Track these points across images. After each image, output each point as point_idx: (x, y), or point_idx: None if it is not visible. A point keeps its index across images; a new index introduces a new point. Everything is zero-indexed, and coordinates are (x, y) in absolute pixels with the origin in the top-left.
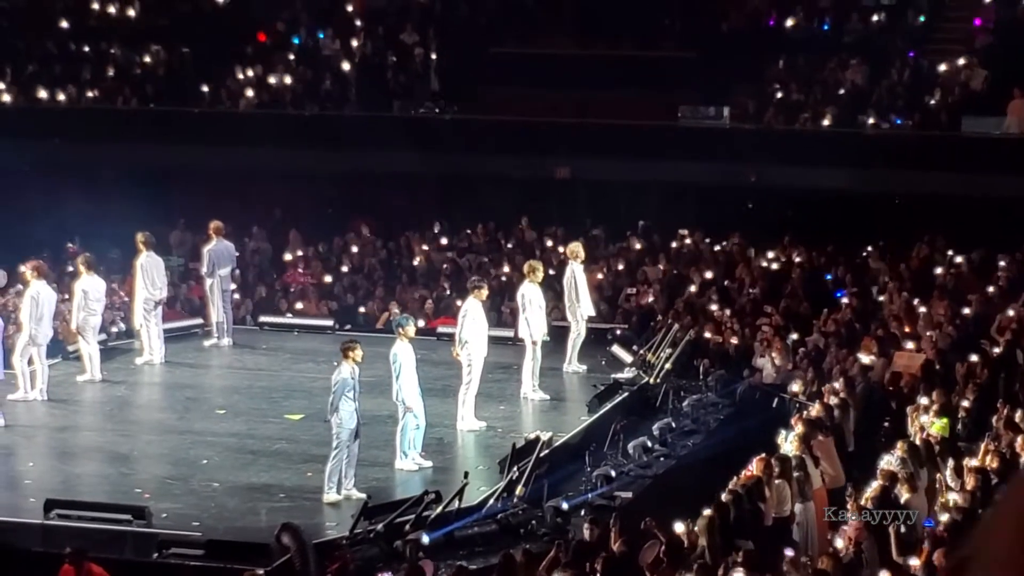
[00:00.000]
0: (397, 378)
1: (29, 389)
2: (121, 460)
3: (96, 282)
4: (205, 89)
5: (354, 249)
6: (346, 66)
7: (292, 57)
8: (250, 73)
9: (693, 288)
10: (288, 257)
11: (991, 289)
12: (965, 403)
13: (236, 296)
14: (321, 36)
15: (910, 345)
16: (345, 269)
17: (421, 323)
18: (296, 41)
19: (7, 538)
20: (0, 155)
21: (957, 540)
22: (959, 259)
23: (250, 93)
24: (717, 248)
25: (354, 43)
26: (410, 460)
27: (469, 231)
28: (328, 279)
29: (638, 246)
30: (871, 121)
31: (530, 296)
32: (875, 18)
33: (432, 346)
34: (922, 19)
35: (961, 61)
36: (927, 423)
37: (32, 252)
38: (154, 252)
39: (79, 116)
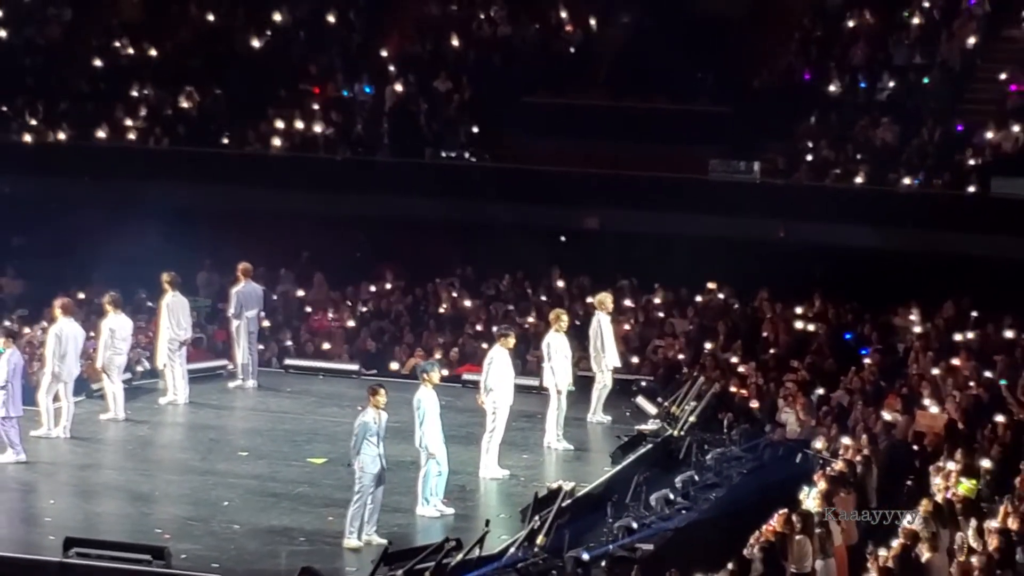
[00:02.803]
0: (420, 424)
1: (52, 426)
2: (142, 499)
3: (123, 321)
4: (237, 131)
5: (381, 292)
6: (379, 112)
7: (317, 107)
8: (287, 116)
9: (719, 342)
10: (314, 299)
11: (1017, 351)
12: (988, 464)
13: (262, 345)
14: (369, 91)
15: (933, 405)
16: (365, 310)
17: (446, 371)
18: (345, 93)
19: (26, 575)
20: (30, 192)
21: None
22: (986, 320)
23: (280, 139)
24: (745, 303)
25: (390, 89)
26: (432, 507)
27: (496, 279)
28: (351, 323)
29: (661, 299)
30: (903, 180)
31: (555, 345)
32: (907, 77)
33: (457, 393)
34: (954, 80)
35: (989, 133)
36: (953, 483)
37: (60, 289)
38: (180, 292)
39: (110, 155)
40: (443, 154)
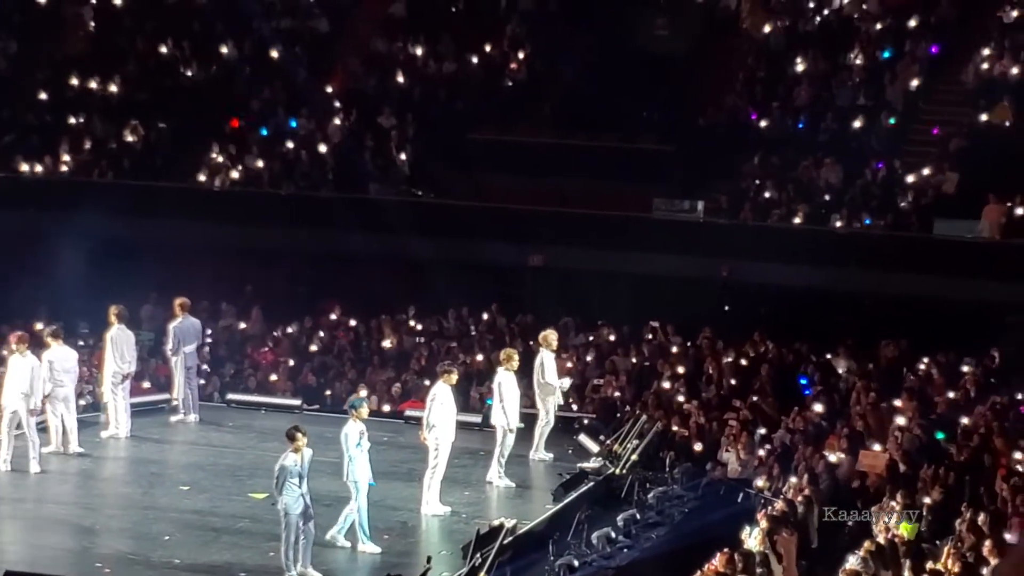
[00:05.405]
0: (350, 460)
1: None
2: (83, 533)
3: (63, 352)
4: (181, 165)
5: (321, 332)
6: (323, 147)
7: (264, 136)
8: (231, 151)
9: (662, 380)
10: (253, 334)
11: (958, 392)
12: (929, 503)
13: (205, 372)
14: (293, 124)
15: (876, 445)
16: (315, 348)
17: (388, 407)
18: (263, 132)
19: None
20: None
21: None
22: (927, 361)
23: (231, 172)
24: (687, 342)
25: (333, 124)
26: (371, 545)
27: (440, 316)
28: (292, 362)
29: (612, 337)
30: (845, 221)
31: (506, 385)
32: (851, 119)
33: (399, 429)
34: (892, 121)
35: (927, 171)
36: (893, 524)
37: (5, 322)
38: (126, 326)
39: (55, 187)
40: (388, 190)
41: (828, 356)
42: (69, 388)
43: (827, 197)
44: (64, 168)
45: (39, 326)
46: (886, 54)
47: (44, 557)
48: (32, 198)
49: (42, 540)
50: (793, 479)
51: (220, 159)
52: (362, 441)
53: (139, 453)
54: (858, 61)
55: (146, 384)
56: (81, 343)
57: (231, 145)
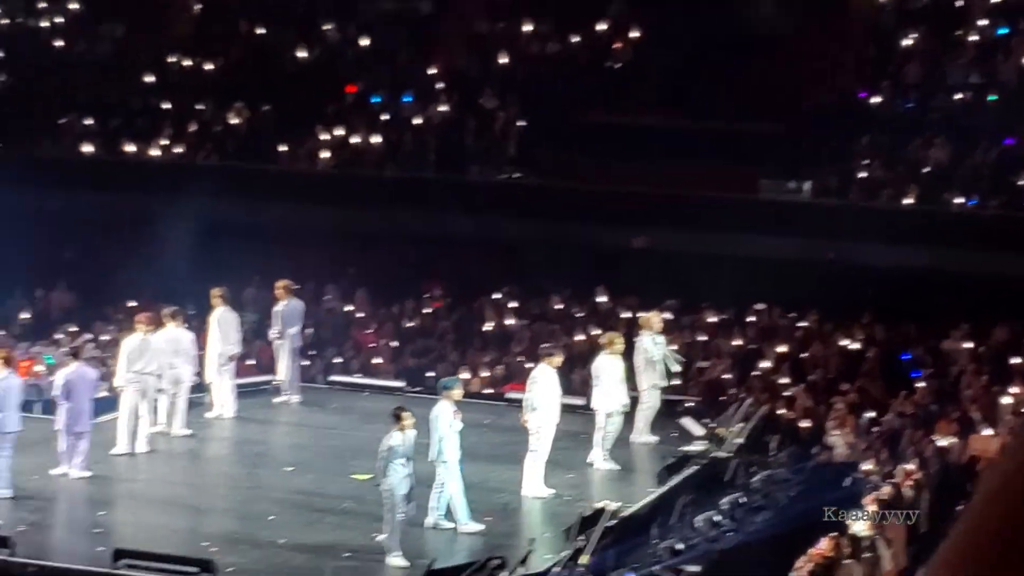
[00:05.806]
0: (442, 439)
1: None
2: (190, 512)
3: (178, 334)
4: (285, 148)
5: (425, 311)
6: (425, 129)
7: (371, 118)
8: (335, 133)
9: (767, 363)
10: (356, 317)
11: None
12: None
13: (310, 355)
14: (408, 99)
15: (987, 429)
16: (416, 330)
17: (491, 390)
18: (376, 100)
19: None
20: (82, 206)
21: None
22: None
23: (328, 154)
24: (794, 324)
25: (435, 106)
26: (473, 524)
27: (543, 298)
28: (395, 343)
29: (716, 319)
30: (955, 200)
31: (605, 368)
32: (961, 96)
33: (501, 411)
34: (993, 98)
35: None
36: None
37: (110, 303)
38: (230, 307)
39: (160, 170)
40: (490, 172)
41: (938, 339)
42: (182, 370)
43: (938, 176)
44: (169, 151)
45: (131, 304)
46: (1000, 31)
47: (153, 536)
48: (137, 181)
49: (150, 519)
50: (902, 463)
51: (324, 138)
52: (454, 422)
53: (243, 434)
54: (971, 38)
55: (250, 361)
56: (186, 325)
57: (336, 125)
